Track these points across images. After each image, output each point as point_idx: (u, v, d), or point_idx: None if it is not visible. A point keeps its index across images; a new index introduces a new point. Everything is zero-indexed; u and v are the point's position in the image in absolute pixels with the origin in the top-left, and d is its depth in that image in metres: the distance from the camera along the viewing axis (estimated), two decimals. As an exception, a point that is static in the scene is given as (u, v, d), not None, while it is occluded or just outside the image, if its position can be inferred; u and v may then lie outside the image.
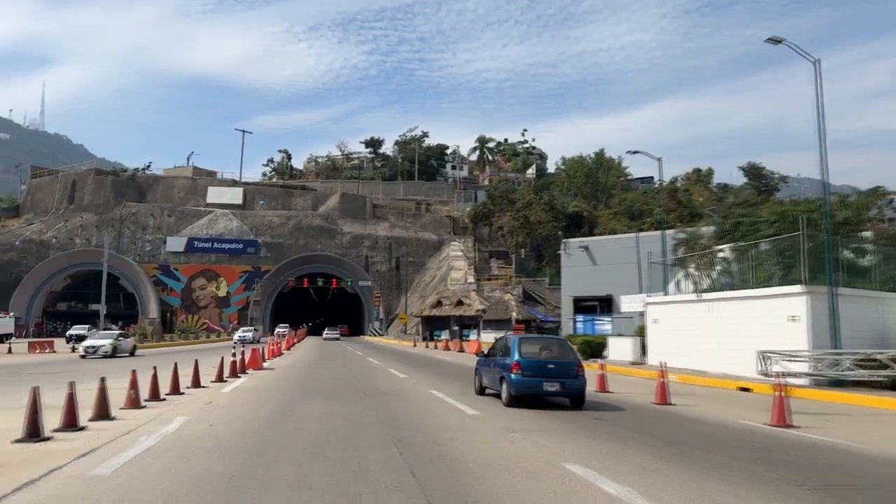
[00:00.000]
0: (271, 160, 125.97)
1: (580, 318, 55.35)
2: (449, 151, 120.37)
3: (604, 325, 53.89)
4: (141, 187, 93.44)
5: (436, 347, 49.57)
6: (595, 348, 31.11)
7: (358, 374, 23.13)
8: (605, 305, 54.56)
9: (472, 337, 57.35)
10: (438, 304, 58.77)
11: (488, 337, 55.26)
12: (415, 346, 54.03)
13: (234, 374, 21.08)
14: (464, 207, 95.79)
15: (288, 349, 43.00)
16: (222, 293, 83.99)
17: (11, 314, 74.88)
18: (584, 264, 55.50)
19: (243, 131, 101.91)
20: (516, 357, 13.72)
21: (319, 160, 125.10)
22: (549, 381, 13.47)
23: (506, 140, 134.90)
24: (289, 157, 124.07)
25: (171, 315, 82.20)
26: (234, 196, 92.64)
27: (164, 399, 13.82)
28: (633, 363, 27.69)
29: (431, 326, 58.76)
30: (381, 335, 77.59)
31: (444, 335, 58.09)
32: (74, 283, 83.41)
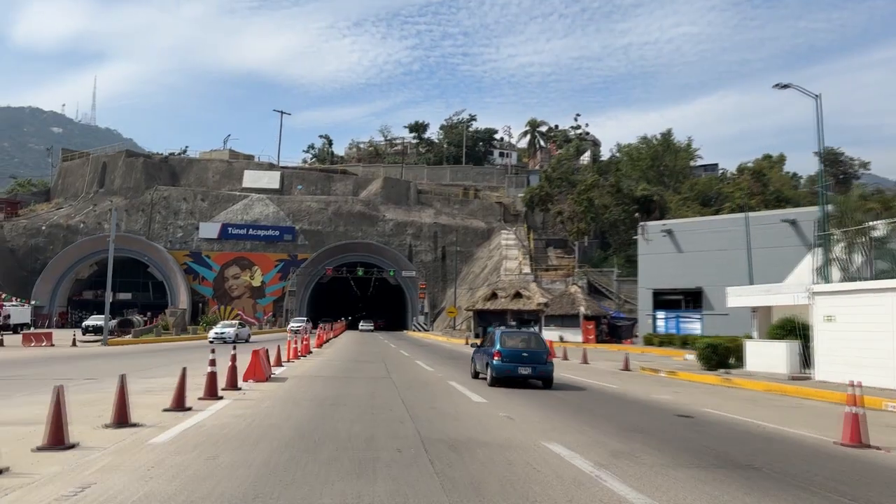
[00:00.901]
0: (312, 146, 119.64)
1: (661, 314, 46.99)
2: (498, 136, 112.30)
3: (691, 322, 45.54)
4: (174, 170, 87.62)
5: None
6: (723, 354, 22.92)
7: (411, 397, 15.57)
8: (693, 300, 46.17)
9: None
10: (493, 296, 51.09)
11: (552, 335, 47.36)
12: (467, 343, 46.36)
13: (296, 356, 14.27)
14: (515, 193, 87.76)
15: (319, 346, 35.74)
16: (256, 283, 77.55)
17: (34, 302, 69.57)
18: (666, 251, 47.13)
19: (282, 112, 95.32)
20: (498, 347, 17.25)
21: (361, 146, 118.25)
22: (522, 366, 17.00)
23: (556, 126, 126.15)
24: (330, 143, 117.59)
25: (203, 305, 76.06)
26: (271, 180, 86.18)
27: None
28: (793, 377, 19.52)
29: (484, 321, 51.16)
30: (426, 330, 70.19)
31: (500, 332, 50.32)
32: (101, 271, 77.56)
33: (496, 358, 16.89)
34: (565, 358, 30.32)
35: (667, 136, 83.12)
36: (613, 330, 48.56)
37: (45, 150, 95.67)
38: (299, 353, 26.88)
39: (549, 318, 48.95)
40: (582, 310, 47.46)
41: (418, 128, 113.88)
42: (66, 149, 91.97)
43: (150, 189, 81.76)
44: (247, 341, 42.09)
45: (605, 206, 61.60)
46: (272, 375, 17.67)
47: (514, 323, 50.42)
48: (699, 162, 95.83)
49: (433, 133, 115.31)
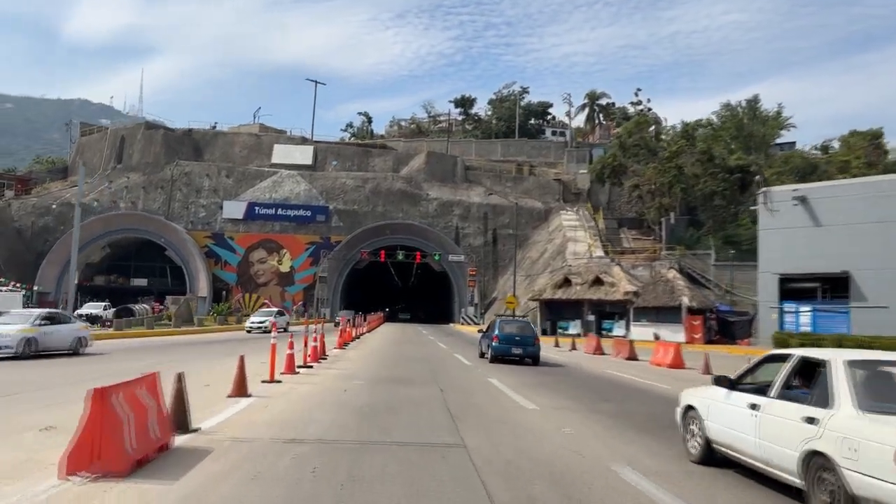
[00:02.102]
0: (350, 125, 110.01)
1: (791, 305, 35.59)
2: (553, 109, 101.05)
3: (834, 317, 34.12)
4: (197, 145, 78.56)
5: (573, 349, 31.08)
6: None
7: None
8: (832, 287, 34.74)
9: (617, 331, 38.47)
10: (565, 282, 40.18)
11: (643, 332, 36.40)
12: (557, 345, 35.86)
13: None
14: (576, 169, 76.54)
15: (342, 346, 25.74)
16: (285, 268, 68.01)
17: (36, 288, 61.12)
18: (798, 225, 35.58)
19: (316, 82, 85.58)
20: (496, 332, 21.63)
21: (403, 124, 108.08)
22: (515, 347, 21.28)
23: (613, 104, 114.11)
24: (369, 121, 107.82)
25: (226, 293, 66.89)
26: (304, 155, 76.55)
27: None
28: None
29: (554, 314, 40.58)
30: (475, 324, 59.71)
31: (574, 327, 39.50)
32: (114, 254, 69.29)
33: (495, 341, 21.31)
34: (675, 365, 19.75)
35: (753, 102, 70.77)
36: (724, 326, 37.35)
37: (64, 125, 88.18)
38: (303, 363, 16.69)
39: (640, 310, 37.98)
40: (685, 300, 36.32)
41: (464, 102, 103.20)
42: (84, 123, 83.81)
43: (171, 164, 72.84)
44: (285, 330, 35.10)
45: (695, 175, 50.13)
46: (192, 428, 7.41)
47: (591, 317, 39.61)
48: (785, 137, 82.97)
49: (481, 108, 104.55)
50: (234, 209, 70.11)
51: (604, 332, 39.00)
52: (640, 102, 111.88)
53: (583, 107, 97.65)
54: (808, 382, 6.43)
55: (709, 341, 35.85)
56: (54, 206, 68.86)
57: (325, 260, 64.46)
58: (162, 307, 54.84)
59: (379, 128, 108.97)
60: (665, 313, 36.85)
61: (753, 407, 6.39)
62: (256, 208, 70.15)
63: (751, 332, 36.98)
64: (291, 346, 15.10)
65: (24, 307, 44.16)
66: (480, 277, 65.41)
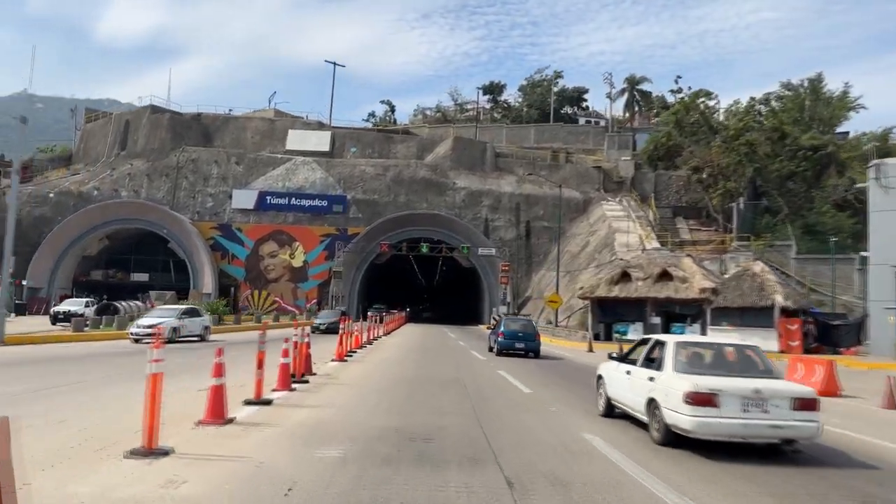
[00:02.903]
0: (372, 114, 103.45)
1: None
2: (589, 95, 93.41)
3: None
4: (206, 130, 72.47)
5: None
6: None
7: None
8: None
9: (695, 335, 30.99)
10: (623, 277, 32.64)
11: (723, 338, 28.65)
12: (591, 350, 28.87)
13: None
14: (618, 156, 69.03)
15: (341, 358, 18.97)
16: (298, 262, 61.50)
17: (25, 283, 55.42)
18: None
19: (335, 64, 79.10)
20: (502, 329, 24.92)
21: (428, 113, 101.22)
22: (518, 342, 24.31)
23: (651, 93, 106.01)
24: (392, 110, 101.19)
25: (234, 290, 60.59)
26: (320, 141, 70.09)
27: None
28: None
29: (608, 315, 33.30)
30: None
31: (634, 331, 32.21)
32: (114, 247, 63.36)
33: (500, 337, 24.52)
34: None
35: (816, 82, 62.69)
36: (824, 332, 29.75)
37: (70, 111, 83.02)
38: (255, 398, 9.84)
39: (719, 311, 30.52)
40: (778, 300, 28.79)
41: (493, 89, 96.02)
42: (90, 109, 78.23)
43: (177, 150, 66.77)
44: (202, 339, 27.18)
45: (767, 155, 42.53)
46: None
47: (656, 319, 32.26)
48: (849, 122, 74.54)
49: (510, 95, 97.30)
50: (244, 198, 63.84)
51: (671, 338, 31.86)
52: (680, 90, 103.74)
53: (622, 92, 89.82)
54: (639, 351, 9.89)
55: (806, 350, 28.36)
56: (51, 195, 63.16)
57: (341, 253, 57.72)
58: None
59: (403, 118, 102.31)
60: (751, 315, 29.42)
61: (628, 373, 9.59)
62: (268, 198, 63.81)
63: (859, 339, 29.41)
64: (218, 374, 8.13)
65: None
66: (513, 274, 58.25)
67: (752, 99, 51.44)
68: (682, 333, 30.93)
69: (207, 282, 58.74)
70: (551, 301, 37.62)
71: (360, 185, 65.36)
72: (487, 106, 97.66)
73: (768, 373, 8.34)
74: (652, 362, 9.02)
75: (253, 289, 60.76)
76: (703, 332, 30.50)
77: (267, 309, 58.62)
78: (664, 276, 32.23)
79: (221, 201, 64.52)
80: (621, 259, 42.59)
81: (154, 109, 71.21)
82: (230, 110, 79.29)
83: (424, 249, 54.90)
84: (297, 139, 70.12)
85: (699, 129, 48.64)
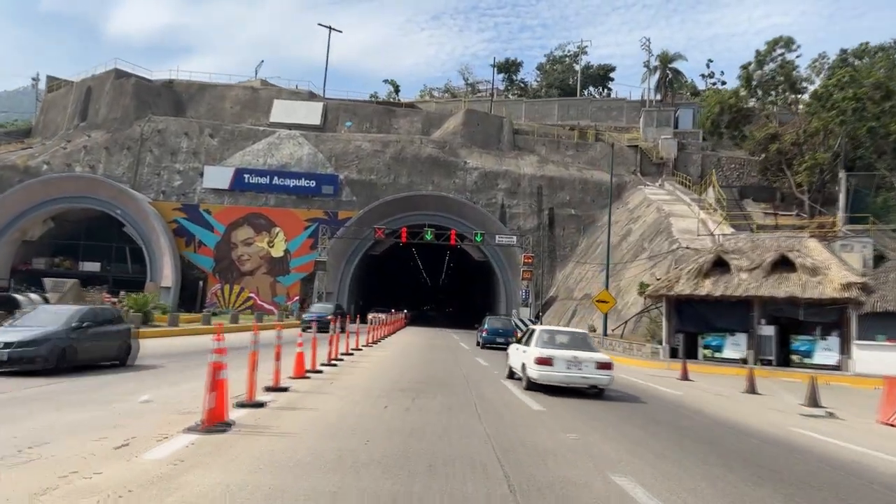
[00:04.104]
0: (374, 95, 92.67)
1: None
2: (614, 76, 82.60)
3: None
4: (179, 99, 62.16)
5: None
6: None
7: None
8: None
9: (824, 355, 20.35)
10: (717, 268, 21.68)
11: (879, 360, 18.06)
12: (685, 377, 18.35)
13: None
14: (657, 135, 58.35)
15: (302, 375, 7.79)
16: (278, 252, 50.99)
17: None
18: None
19: (330, 28, 68.78)
20: (486, 326, 29.71)
21: (435, 93, 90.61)
22: (499, 337, 28.20)
23: (683, 75, 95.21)
24: (396, 90, 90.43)
25: (203, 283, 50.14)
26: (311, 113, 59.67)
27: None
28: None
29: (688, 321, 22.46)
30: (532, 331, 42.02)
31: (734, 346, 21.46)
32: (61, 231, 52.85)
33: (483, 333, 29.16)
34: None
35: (892, 53, 51.73)
36: None
37: (31, 80, 72.88)
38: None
39: (873, 318, 19.81)
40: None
41: (508, 67, 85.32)
42: (52, 77, 67.89)
43: (142, 120, 56.41)
44: (122, 364, 14.66)
45: (876, 116, 31.82)
46: None
47: (768, 330, 21.50)
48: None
49: (528, 74, 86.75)
50: (218, 176, 53.43)
51: (797, 358, 21.00)
52: (712, 75, 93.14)
53: (654, 70, 78.94)
54: (524, 338, 15.52)
55: None
56: (-8, 170, 52.87)
57: (327, 240, 47.08)
58: (116, 300, 37.89)
59: (409, 97, 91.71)
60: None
61: (518, 349, 15.12)
62: (246, 176, 53.37)
63: None
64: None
65: None
66: (536, 268, 47.48)
67: (844, 51, 40.45)
68: (811, 352, 20.20)
69: (167, 273, 48.26)
70: (600, 301, 26.92)
71: (354, 163, 54.86)
72: (502, 87, 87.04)
73: (588, 348, 13.94)
74: (528, 343, 14.40)
75: (223, 282, 50.25)
76: (845, 351, 19.84)
77: (241, 307, 48.10)
78: (782, 265, 21.55)
79: (191, 180, 54.10)
80: (687, 248, 31.88)
81: (119, 74, 60.75)
82: (209, 75, 68.86)
83: (429, 237, 44.20)
84: (283, 110, 59.71)
85: (778, 86, 37.87)
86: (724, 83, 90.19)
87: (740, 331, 21.80)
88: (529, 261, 43.92)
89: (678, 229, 36.22)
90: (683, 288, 22.19)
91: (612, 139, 59.83)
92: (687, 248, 32.16)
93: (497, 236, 45.44)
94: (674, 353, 22.87)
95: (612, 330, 29.07)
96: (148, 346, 17.18)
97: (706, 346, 22.47)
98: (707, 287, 21.92)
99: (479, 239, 44.33)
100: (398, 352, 23.06)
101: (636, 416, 11.27)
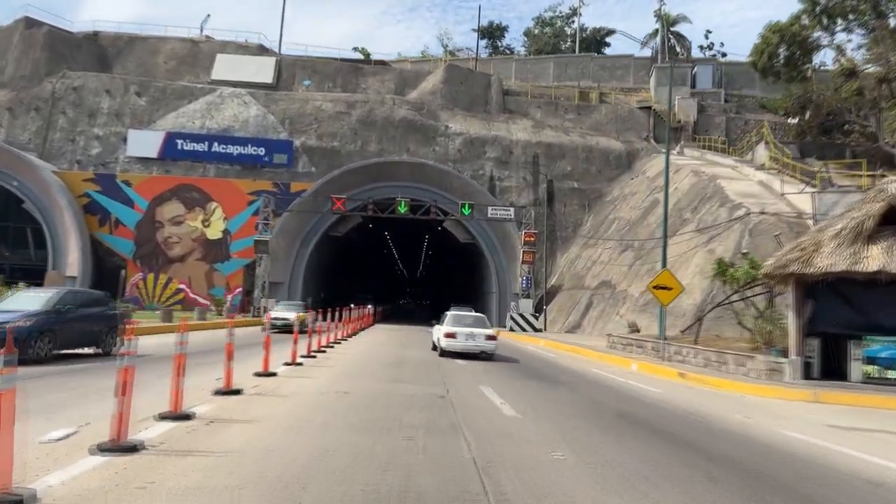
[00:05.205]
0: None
1: None
2: (611, 40, 73.06)
3: None
4: (103, 54, 51.47)
5: None
6: None
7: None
8: None
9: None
10: (887, 228, 13.03)
11: None
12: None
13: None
14: (671, 95, 48.95)
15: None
16: (215, 233, 40.78)
17: None
18: None
19: (286, -27, 58.30)
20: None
21: (412, 62, 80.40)
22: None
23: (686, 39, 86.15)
24: (367, 58, 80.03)
25: (123, 272, 39.74)
26: (261, 70, 49.42)
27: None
28: None
29: (833, 316, 13.37)
30: (536, 329, 32.57)
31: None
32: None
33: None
34: None
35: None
36: None
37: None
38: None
39: None
40: None
41: (493, 32, 75.48)
42: (-43, 31, 56.55)
43: (54, 76, 45.79)
44: None
45: None
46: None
47: None
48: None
49: (515, 40, 77.05)
50: (145, 143, 43.08)
51: None
52: (711, 46, 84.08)
53: (653, 34, 69.65)
54: (442, 320, 19.50)
55: None
56: None
57: (269, 212, 36.94)
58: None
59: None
60: None
61: (437, 328, 19.35)
62: (179, 142, 43.08)
63: None
64: None
65: None
66: (537, 250, 37.65)
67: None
68: None
69: (73, 260, 37.87)
70: (660, 289, 17.14)
71: (313, 127, 44.82)
72: (485, 55, 77.18)
73: (483, 326, 18.61)
74: (442, 323, 18.77)
75: (147, 271, 39.91)
76: None
77: (169, 302, 37.91)
78: None
79: (113, 147, 43.63)
80: (762, 213, 22.49)
81: (30, 23, 49.82)
82: (140, 27, 57.93)
83: (403, 209, 34.22)
84: (227, 66, 49.34)
85: (861, 5, 28.55)
86: (724, 55, 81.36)
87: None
88: (531, 239, 34.17)
89: (736, 193, 26.80)
90: (832, 261, 12.77)
91: (620, 101, 50.42)
92: (762, 213, 22.72)
93: (490, 209, 35.66)
94: (808, 368, 13.39)
95: (682, 332, 19.40)
96: None
97: (869, 360, 13.05)
98: (877, 258, 12.54)
99: (466, 211, 34.42)
100: (348, 370, 13.27)
101: None
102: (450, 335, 17.52)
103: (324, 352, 17.16)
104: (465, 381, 12.59)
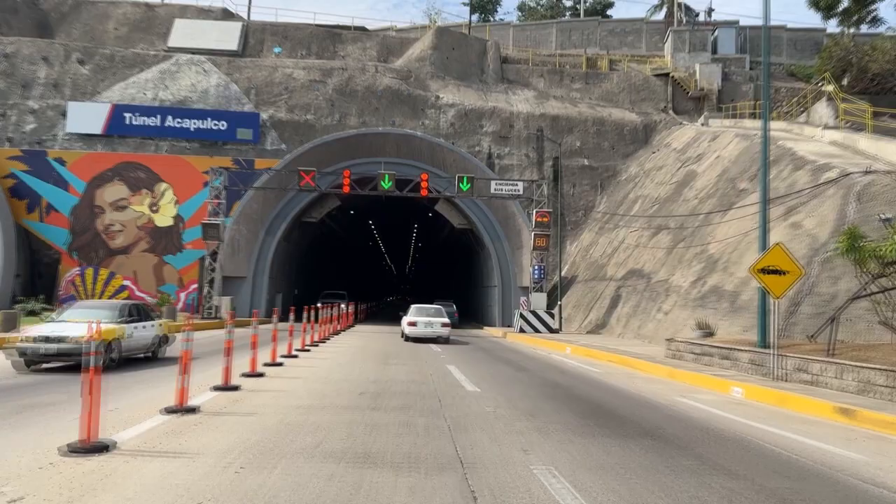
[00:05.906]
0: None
1: None
2: (612, 12, 66.89)
3: None
4: (46, 20, 44.79)
5: None
6: None
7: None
8: None
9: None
10: None
11: None
12: None
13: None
14: (690, 62, 43.15)
15: None
16: (165, 220, 34.34)
17: None
18: None
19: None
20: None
21: (397, 30, 74.05)
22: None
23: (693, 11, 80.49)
24: (346, 25, 73.46)
25: (57, 266, 33.32)
26: (225, 36, 42.98)
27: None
28: None
29: None
30: (552, 329, 26.47)
31: None
32: None
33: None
34: None
35: None
36: None
37: None
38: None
39: None
40: None
41: (485, 5, 69.19)
42: None
43: (-18, 41, 39.15)
44: None
45: None
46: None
47: None
48: None
49: (508, 14, 70.86)
50: (88, 117, 36.51)
51: None
52: (711, 18, 78.18)
53: (660, 5, 63.72)
54: (407, 312, 24.05)
55: None
56: None
57: (222, 190, 30.64)
58: None
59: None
60: None
61: (403, 319, 23.45)
62: (128, 115, 36.54)
63: None
64: None
65: None
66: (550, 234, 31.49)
67: None
68: None
69: (-8, 252, 31.36)
70: (770, 273, 11.19)
71: (283, 97, 38.48)
72: (478, 27, 70.88)
73: (441, 316, 22.37)
74: (407, 314, 22.66)
75: (85, 265, 33.45)
76: None
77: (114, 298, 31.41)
78: None
79: (51, 122, 37.04)
80: (867, 171, 16.56)
81: (-43, -16, 43.12)
82: None
83: (387, 184, 27.97)
84: (186, 32, 42.83)
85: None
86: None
87: None
88: (545, 220, 27.93)
89: (813, 153, 20.81)
90: None
91: (633, 69, 44.37)
92: (867, 172, 16.74)
93: (494, 184, 29.46)
94: None
95: (810, 337, 13.12)
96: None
97: None
98: None
99: (465, 187, 28.16)
100: (270, 430, 7.14)
101: None
102: (412, 324, 22.04)
103: (260, 376, 11.00)
104: (502, 454, 6.38)
